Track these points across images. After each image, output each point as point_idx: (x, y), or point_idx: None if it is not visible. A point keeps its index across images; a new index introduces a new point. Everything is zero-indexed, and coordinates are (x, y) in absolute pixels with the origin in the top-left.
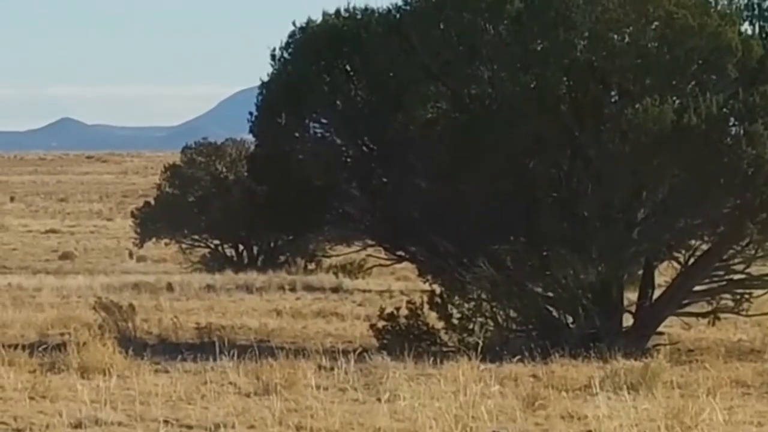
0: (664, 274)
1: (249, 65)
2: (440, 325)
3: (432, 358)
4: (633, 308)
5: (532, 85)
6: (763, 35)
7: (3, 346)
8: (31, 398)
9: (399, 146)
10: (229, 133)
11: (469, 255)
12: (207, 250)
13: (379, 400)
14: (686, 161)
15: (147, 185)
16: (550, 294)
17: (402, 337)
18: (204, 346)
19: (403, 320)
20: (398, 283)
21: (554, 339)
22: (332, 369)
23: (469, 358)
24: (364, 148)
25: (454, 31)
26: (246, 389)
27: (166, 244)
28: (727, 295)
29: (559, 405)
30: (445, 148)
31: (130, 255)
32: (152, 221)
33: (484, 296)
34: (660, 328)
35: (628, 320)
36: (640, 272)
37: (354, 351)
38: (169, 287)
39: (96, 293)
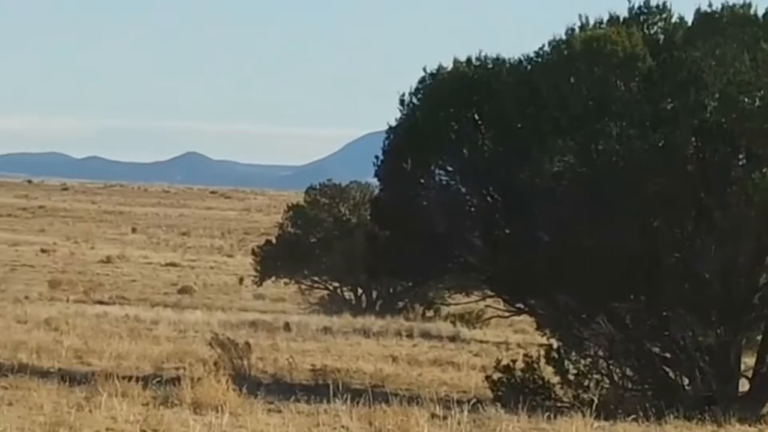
0: None
1: (378, 109)
2: (556, 379)
3: (546, 413)
4: (750, 373)
5: (660, 144)
6: None
7: (117, 377)
8: (143, 431)
9: (524, 198)
10: (354, 175)
11: (589, 311)
12: (326, 292)
13: None
14: None
15: (269, 223)
16: (668, 355)
17: (517, 390)
18: (318, 388)
19: (519, 373)
20: (516, 336)
21: (669, 400)
22: (445, 418)
23: (584, 415)
24: (489, 198)
25: (585, 86)
26: None
27: (286, 284)
28: None
29: None
30: (570, 202)
31: (241, 280)
32: (273, 260)
33: (601, 353)
34: None
35: (744, 385)
36: (759, 337)
37: (468, 401)
38: (287, 327)
39: (213, 329)
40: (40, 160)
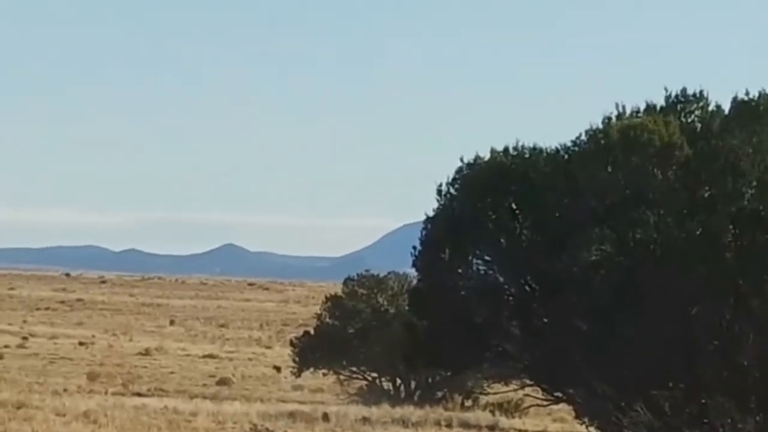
0: None
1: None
2: None
3: None
4: None
5: (697, 232)
6: None
7: None
8: None
9: (561, 287)
10: (391, 266)
11: (628, 399)
12: (364, 382)
13: None
14: None
15: (307, 315)
16: None
17: None
18: None
19: None
20: (555, 425)
21: None
22: None
23: None
24: (527, 287)
25: (622, 174)
26: None
27: (324, 374)
28: None
29: None
30: (608, 290)
31: (278, 369)
32: (311, 351)
33: None
34: None
35: None
36: None
37: None
38: (325, 417)
39: (251, 420)
40: (78, 254)
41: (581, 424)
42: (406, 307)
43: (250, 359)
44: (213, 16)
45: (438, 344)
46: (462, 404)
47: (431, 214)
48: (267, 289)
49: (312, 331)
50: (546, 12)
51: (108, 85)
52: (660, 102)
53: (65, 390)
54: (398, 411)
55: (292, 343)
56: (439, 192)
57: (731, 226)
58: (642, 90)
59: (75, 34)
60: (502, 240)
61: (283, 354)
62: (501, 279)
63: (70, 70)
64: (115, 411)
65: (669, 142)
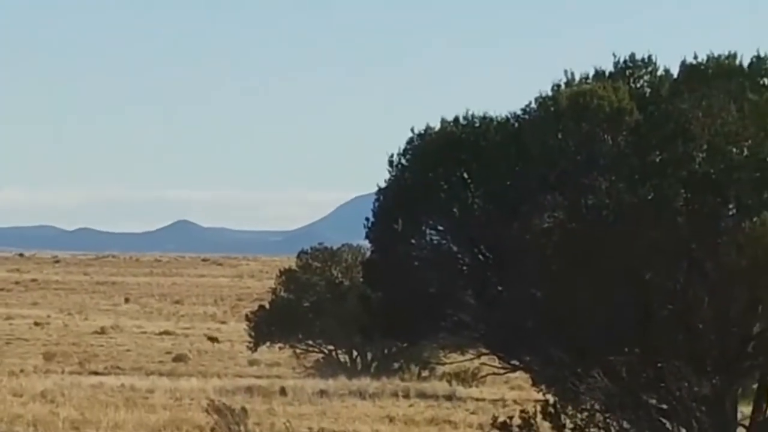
0: None
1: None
2: None
3: None
4: (747, 422)
5: (649, 197)
6: None
7: None
8: None
9: (515, 255)
10: (346, 238)
11: (584, 365)
12: (321, 356)
13: None
14: None
15: (262, 289)
16: (664, 406)
17: None
18: None
19: (515, 429)
20: (512, 392)
21: None
22: None
23: None
24: (480, 255)
25: (572, 141)
26: None
27: (280, 349)
28: None
29: None
30: (561, 257)
31: (214, 341)
32: (266, 325)
33: (597, 407)
34: None
35: None
36: (755, 386)
37: None
38: (282, 391)
39: (209, 396)
40: (31, 234)
41: (538, 392)
42: (361, 279)
43: (205, 335)
44: None
45: (393, 315)
46: (419, 375)
47: (383, 185)
48: (221, 264)
49: (267, 306)
50: None
51: (53, 61)
52: (609, 68)
53: (22, 370)
54: (355, 383)
55: (247, 318)
56: (390, 163)
57: (683, 191)
58: (590, 57)
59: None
60: (455, 209)
61: (239, 329)
62: (454, 248)
63: (17, 45)
64: (72, 390)
65: (619, 108)
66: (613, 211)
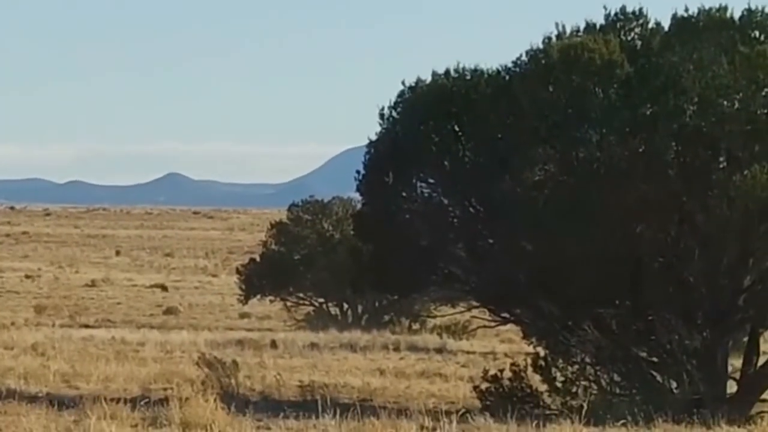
0: None
1: (358, 124)
2: (544, 387)
3: (535, 421)
4: (737, 375)
5: (640, 150)
6: None
7: (105, 400)
8: None
9: (505, 208)
10: (336, 191)
11: (574, 318)
12: (311, 308)
13: None
14: None
15: (253, 242)
16: (655, 359)
17: (505, 399)
18: (306, 404)
19: (506, 382)
20: (502, 345)
21: (658, 404)
22: (434, 429)
23: (572, 422)
24: (471, 209)
25: (563, 94)
26: None
27: (271, 302)
28: None
29: None
30: (552, 210)
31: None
32: (257, 278)
33: (588, 360)
34: (764, 396)
35: (732, 387)
36: (745, 339)
37: (457, 412)
38: (273, 344)
39: (199, 349)
40: (22, 187)
41: (529, 345)
42: (351, 232)
43: (196, 288)
44: None
45: (384, 268)
46: (409, 327)
47: (374, 138)
48: (211, 217)
49: (258, 259)
50: None
51: (40, 16)
52: (600, 21)
53: (13, 323)
54: (346, 336)
55: (238, 271)
56: (381, 116)
57: (674, 144)
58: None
59: None
60: (446, 162)
61: (230, 282)
62: (445, 201)
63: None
64: (63, 343)
65: (609, 61)
66: (604, 164)
